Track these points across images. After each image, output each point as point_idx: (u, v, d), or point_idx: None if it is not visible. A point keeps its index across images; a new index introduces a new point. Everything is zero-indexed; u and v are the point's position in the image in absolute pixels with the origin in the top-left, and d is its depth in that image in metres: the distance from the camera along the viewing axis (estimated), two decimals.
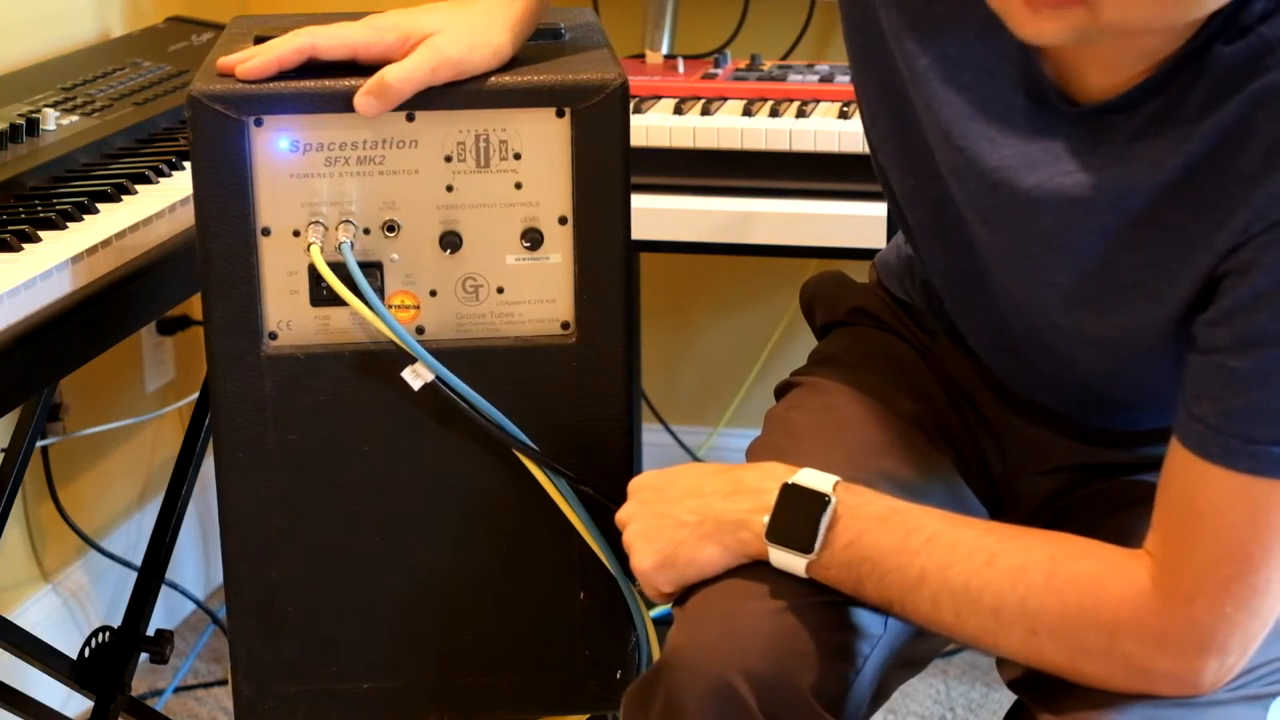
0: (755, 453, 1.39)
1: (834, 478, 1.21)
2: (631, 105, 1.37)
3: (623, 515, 1.29)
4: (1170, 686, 1.13)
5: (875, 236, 1.79)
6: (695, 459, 2.71)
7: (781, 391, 1.49)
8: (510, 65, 1.35)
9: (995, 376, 1.40)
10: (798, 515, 1.20)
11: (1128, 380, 1.26)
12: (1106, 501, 1.36)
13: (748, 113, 1.97)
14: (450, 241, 1.36)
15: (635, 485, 1.29)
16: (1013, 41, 1.16)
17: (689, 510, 1.24)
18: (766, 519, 1.21)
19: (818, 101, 2.01)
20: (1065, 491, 1.39)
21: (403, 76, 1.30)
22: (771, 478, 1.23)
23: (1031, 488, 1.40)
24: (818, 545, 1.19)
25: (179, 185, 1.64)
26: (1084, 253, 1.17)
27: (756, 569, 1.22)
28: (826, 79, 2.08)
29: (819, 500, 1.20)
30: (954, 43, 1.19)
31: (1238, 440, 1.08)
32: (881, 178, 1.38)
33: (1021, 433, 1.40)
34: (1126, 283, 1.16)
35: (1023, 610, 1.14)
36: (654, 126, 1.94)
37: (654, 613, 1.47)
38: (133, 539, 2.43)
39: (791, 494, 1.21)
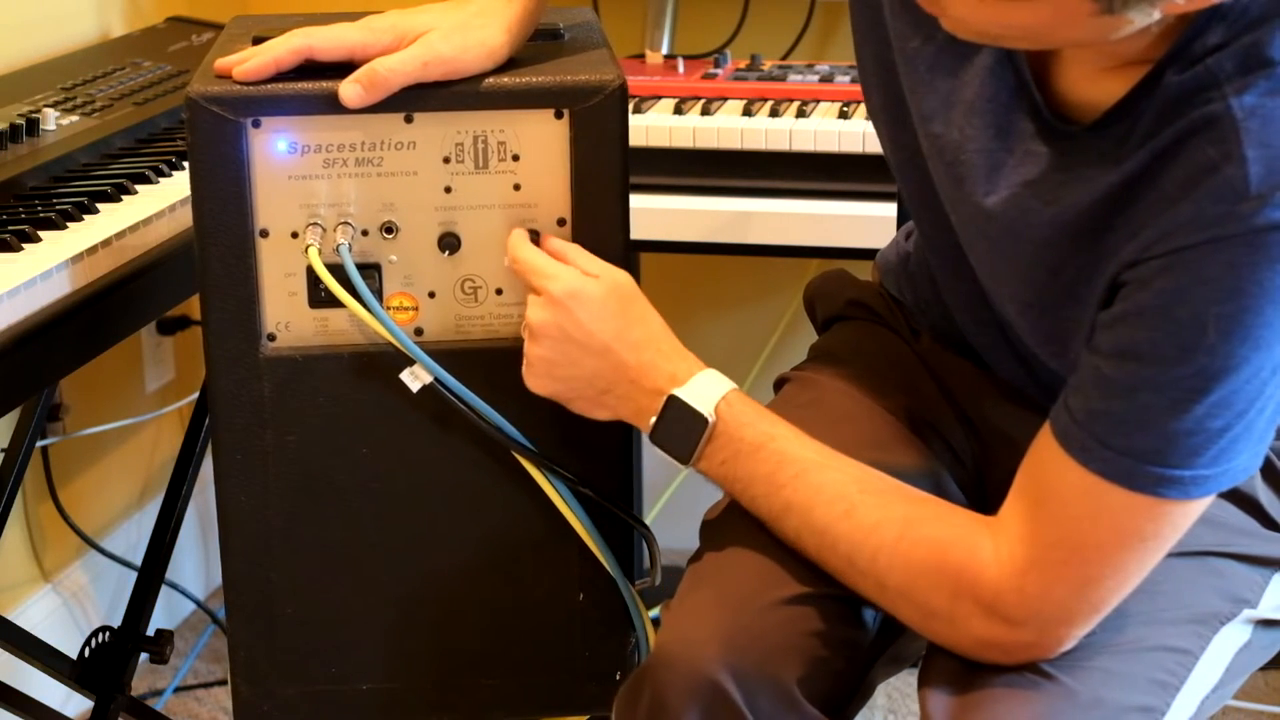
0: None
1: (723, 391, 1.25)
2: (631, 105, 1.37)
3: (536, 324, 1.30)
4: (1000, 654, 1.17)
5: (875, 236, 1.79)
6: None
7: (778, 386, 1.51)
8: (509, 66, 1.35)
9: (975, 373, 1.42)
10: (678, 428, 1.26)
11: None
12: None
13: (748, 113, 1.97)
14: (449, 243, 1.36)
15: (562, 301, 1.28)
16: None
17: (599, 377, 1.29)
18: (654, 420, 1.26)
19: (818, 101, 2.01)
20: None
21: (393, 67, 1.30)
22: (670, 381, 1.27)
23: (1007, 480, 1.41)
24: (693, 459, 1.26)
25: (179, 185, 1.64)
26: (1026, 259, 1.20)
27: (745, 561, 1.25)
28: (826, 79, 2.08)
29: (699, 419, 1.25)
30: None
31: (1094, 442, 1.11)
32: (883, 148, 1.40)
33: (998, 428, 1.41)
34: (1069, 282, 1.18)
35: (873, 566, 1.19)
36: (654, 126, 1.94)
37: (653, 613, 1.47)
38: (133, 539, 2.43)
39: (674, 406, 1.26)
